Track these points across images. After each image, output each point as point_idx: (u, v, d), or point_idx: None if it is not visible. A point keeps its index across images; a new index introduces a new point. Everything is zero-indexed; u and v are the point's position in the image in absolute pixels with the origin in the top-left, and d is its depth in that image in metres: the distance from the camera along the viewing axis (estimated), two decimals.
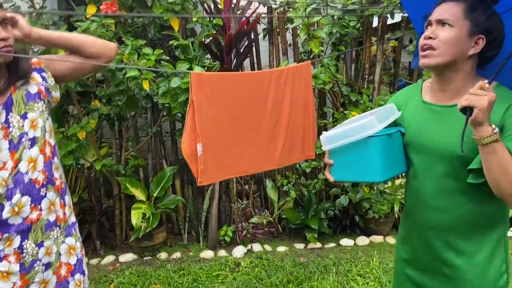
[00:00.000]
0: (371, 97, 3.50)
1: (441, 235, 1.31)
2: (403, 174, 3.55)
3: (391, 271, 3.00)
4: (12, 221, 1.37)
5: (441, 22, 1.21)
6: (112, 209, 3.54)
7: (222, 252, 3.36)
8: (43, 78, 1.48)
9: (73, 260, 1.58)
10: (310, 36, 2.75)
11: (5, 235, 1.36)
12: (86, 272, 1.66)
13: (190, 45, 3.05)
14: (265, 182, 3.69)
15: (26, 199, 1.39)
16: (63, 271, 1.54)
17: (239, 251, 3.35)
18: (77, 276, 1.60)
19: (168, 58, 2.90)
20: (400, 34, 3.32)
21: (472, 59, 1.23)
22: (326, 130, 3.55)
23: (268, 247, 3.44)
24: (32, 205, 1.41)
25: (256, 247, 3.42)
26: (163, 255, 3.33)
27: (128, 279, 2.95)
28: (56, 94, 1.53)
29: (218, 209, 3.52)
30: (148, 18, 2.99)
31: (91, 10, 2.66)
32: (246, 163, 2.07)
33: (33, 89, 1.43)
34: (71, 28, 2.84)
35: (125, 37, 2.87)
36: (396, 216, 3.63)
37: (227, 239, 3.44)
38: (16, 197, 1.36)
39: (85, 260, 1.67)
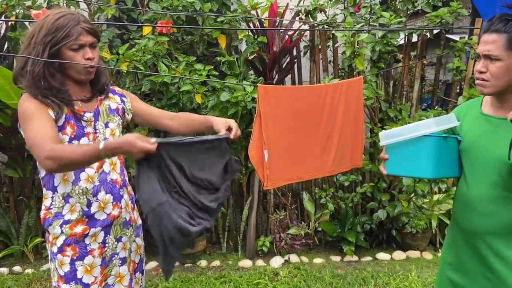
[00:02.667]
0: (409, 113, 3.56)
1: (485, 240, 1.39)
2: (442, 190, 3.54)
3: (430, 285, 3.01)
4: (98, 216, 1.55)
5: (488, 57, 1.30)
6: None
7: (259, 262, 3.44)
8: (122, 101, 1.72)
9: (137, 259, 1.74)
10: (355, 53, 2.87)
11: (92, 230, 1.53)
12: (144, 272, 1.81)
13: (236, 62, 3.21)
14: (301, 195, 3.77)
15: (109, 196, 1.57)
16: (131, 268, 1.69)
17: (276, 261, 3.42)
18: (138, 274, 1.76)
19: (217, 73, 3.07)
20: (440, 53, 3.39)
21: None
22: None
23: (304, 259, 3.50)
24: (114, 202, 1.59)
25: (293, 258, 3.48)
26: (203, 262, 3.44)
27: (172, 284, 3.07)
28: (128, 116, 1.75)
29: (256, 220, 3.61)
30: (197, 36, 3.17)
31: (147, 29, 2.86)
32: (303, 170, 2.20)
33: (113, 105, 1.67)
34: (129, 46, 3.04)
35: (176, 54, 3.05)
36: (434, 232, 3.64)
37: (265, 249, 3.52)
38: (101, 194, 1.55)
39: (144, 260, 1.82)
